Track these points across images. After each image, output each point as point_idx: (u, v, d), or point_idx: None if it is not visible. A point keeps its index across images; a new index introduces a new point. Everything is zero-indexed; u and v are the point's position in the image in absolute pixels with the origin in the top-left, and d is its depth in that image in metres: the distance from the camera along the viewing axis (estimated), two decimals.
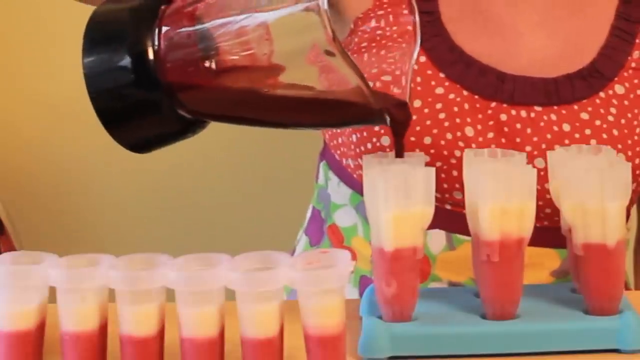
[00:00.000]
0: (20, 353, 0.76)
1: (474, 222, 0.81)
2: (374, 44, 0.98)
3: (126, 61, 0.80)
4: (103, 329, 0.76)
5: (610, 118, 1.03)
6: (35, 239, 1.65)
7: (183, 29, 0.80)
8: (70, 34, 1.56)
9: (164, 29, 0.81)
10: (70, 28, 1.56)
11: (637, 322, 0.80)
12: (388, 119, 0.80)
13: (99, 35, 0.82)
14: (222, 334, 0.75)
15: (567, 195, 0.81)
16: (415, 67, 1.04)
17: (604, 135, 1.02)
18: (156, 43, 0.80)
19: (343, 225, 1.11)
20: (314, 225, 1.16)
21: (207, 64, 0.79)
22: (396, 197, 0.78)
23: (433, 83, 1.03)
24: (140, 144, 0.86)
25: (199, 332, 0.73)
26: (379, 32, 1.01)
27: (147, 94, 0.81)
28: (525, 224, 0.79)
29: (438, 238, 1.04)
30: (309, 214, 1.19)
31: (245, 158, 1.67)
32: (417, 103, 1.02)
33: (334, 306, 0.73)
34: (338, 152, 1.10)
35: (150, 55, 0.80)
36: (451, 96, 1.03)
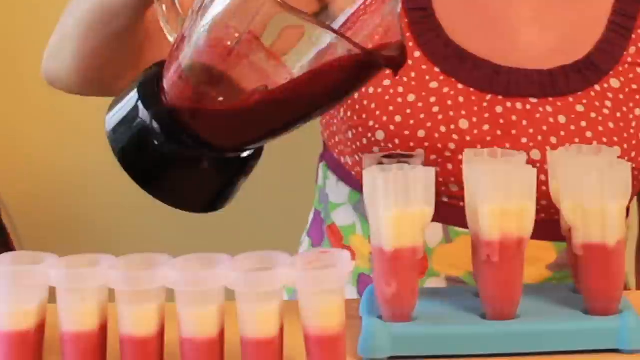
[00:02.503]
0: (20, 353, 0.76)
1: (474, 222, 0.81)
2: (361, 16, 0.97)
3: (148, 130, 0.80)
4: (103, 329, 0.76)
5: (606, 111, 1.03)
6: (35, 239, 1.65)
7: (176, 75, 0.79)
8: None
9: (165, 83, 0.80)
10: None
11: (637, 322, 0.80)
12: (382, 61, 0.77)
13: (118, 119, 0.82)
14: (222, 334, 0.75)
15: (567, 195, 0.81)
16: (410, 62, 1.04)
17: (600, 128, 1.02)
18: (165, 100, 0.79)
19: (341, 224, 1.11)
20: (316, 227, 1.17)
21: (209, 94, 0.78)
22: (396, 197, 0.78)
23: (427, 77, 1.04)
24: (207, 202, 0.85)
25: (199, 332, 0.73)
26: (367, 4, 1.00)
27: (184, 151, 0.80)
28: (525, 224, 0.79)
29: (435, 231, 1.04)
30: (311, 216, 1.19)
31: None
32: (410, 97, 1.03)
33: (334, 306, 0.73)
34: (336, 150, 1.10)
35: (164, 114, 0.79)
36: (445, 90, 1.03)
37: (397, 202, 0.78)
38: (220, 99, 0.78)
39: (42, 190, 1.67)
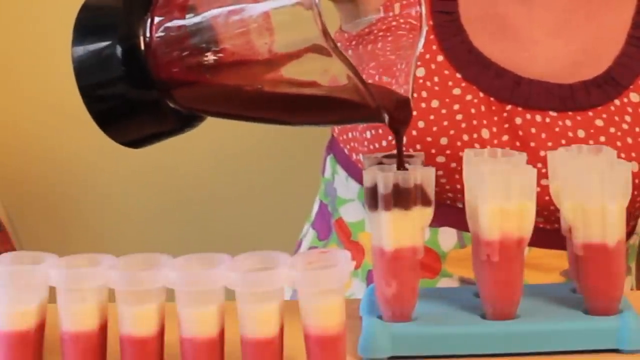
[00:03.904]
0: (20, 353, 0.76)
1: (474, 222, 0.81)
2: (389, 33, 0.97)
3: (116, 53, 0.77)
4: (103, 329, 0.76)
5: (625, 126, 1.03)
6: (35, 239, 1.65)
7: (175, 20, 0.77)
8: (70, 33, 1.56)
9: (157, 19, 0.77)
10: (70, 27, 1.56)
11: (637, 322, 0.80)
12: (387, 118, 0.79)
13: (89, 26, 0.79)
14: (222, 334, 0.75)
15: (567, 195, 0.81)
16: (433, 66, 1.04)
17: (618, 143, 1.02)
18: (148, 34, 0.77)
19: (350, 220, 1.11)
20: (322, 219, 1.16)
21: (200, 58, 0.76)
22: (396, 197, 0.78)
23: (450, 83, 1.03)
24: (133, 141, 0.83)
25: (199, 332, 0.73)
26: (401, 20, 1.00)
27: (138, 89, 0.78)
28: (525, 224, 0.79)
29: (449, 236, 1.04)
30: (315, 208, 1.19)
31: (248, 154, 1.67)
32: (434, 103, 1.02)
33: (334, 306, 0.73)
34: (348, 146, 1.10)
35: (142, 48, 0.77)
36: (468, 97, 1.03)
37: (397, 202, 0.78)
38: (209, 74, 0.77)
39: (42, 190, 1.67)
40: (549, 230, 1.02)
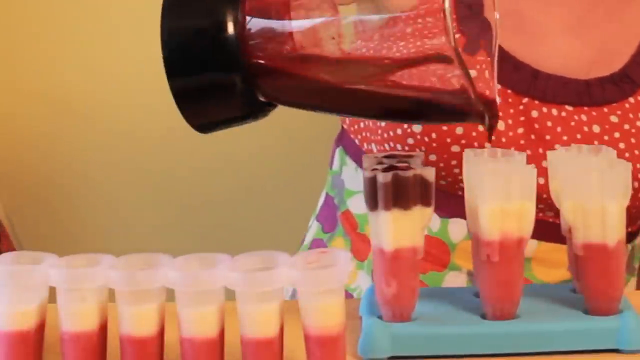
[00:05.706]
0: (20, 353, 0.76)
1: (474, 222, 0.81)
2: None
3: (205, 33, 0.77)
4: (103, 329, 0.76)
5: (639, 123, 1.04)
6: (35, 239, 1.65)
7: (273, 11, 0.77)
8: (71, 31, 1.56)
9: (249, 4, 0.77)
10: (71, 24, 1.56)
11: (637, 322, 0.80)
12: (487, 119, 0.78)
13: (182, 3, 0.79)
14: (222, 334, 0.75)
15: (567, 195, 0.81)
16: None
17: (632, 140, 1.03)
18: (239, 17, 0.77)
19: (357, 212, 1.11)
20: (327, 212, 1.16)
21: (296, 50, 0.76)
22: (396, 197, 0.78)
23: None
24: (207, 124, 0.82)
25: (199, 332, 0.73)
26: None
27: (223, 71, 0.77)
28: (525, 224, 0.79)
29: (459, 227, 1.04)
30: (321, 201, 1.19)
31: (250, 154, 1.67)
32: None
33: (334, 306, 0.73)
34: (359, 136, 1.10)
35: (231, 30, 0.76)
36: None
37: (397, 202, 0.78)
38: (303, 68, 0.76)
39: (42, 190, 1.67)
40: (552, 224, 1.02)
